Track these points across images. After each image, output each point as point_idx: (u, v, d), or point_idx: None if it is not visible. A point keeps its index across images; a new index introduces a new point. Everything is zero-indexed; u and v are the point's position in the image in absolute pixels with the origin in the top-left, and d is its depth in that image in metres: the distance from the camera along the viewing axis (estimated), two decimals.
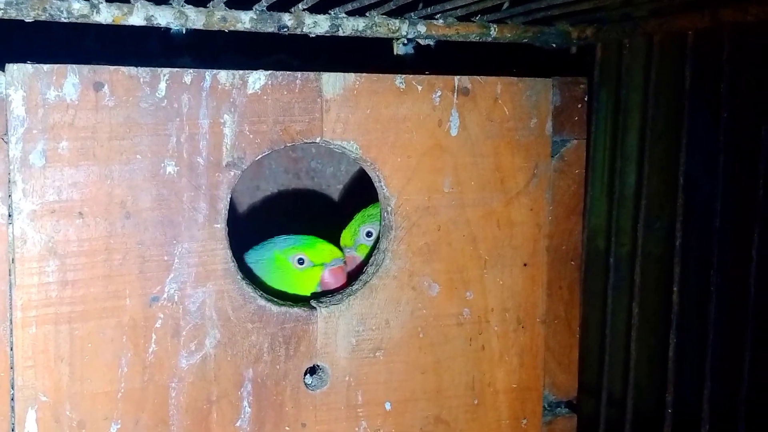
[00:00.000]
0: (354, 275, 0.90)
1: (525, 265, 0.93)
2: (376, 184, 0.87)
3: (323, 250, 0.91)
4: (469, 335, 0.91)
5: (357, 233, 0.96)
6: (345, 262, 0.92)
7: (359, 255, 0.96)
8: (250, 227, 1.16)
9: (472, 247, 0.90)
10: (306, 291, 0.89)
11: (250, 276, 0.86)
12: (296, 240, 0.91)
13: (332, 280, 0.89)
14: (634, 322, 0.98)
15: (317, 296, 0.88)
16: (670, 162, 1.01)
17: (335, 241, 0.95)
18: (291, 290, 0.88)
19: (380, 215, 0.89)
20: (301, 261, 0.90)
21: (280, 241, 0.92)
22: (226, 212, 0.79)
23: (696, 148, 0.92)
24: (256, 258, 0.90)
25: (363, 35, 0.87)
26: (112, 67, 0.74)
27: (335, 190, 1.22)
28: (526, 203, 0.92)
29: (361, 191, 1.07)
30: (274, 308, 0.83)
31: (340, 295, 0.87)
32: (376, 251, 0.89)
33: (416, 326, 0.89)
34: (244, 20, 0.84)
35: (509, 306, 0.92)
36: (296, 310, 0.84)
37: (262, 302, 0.82)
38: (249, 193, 1.19)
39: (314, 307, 0.85)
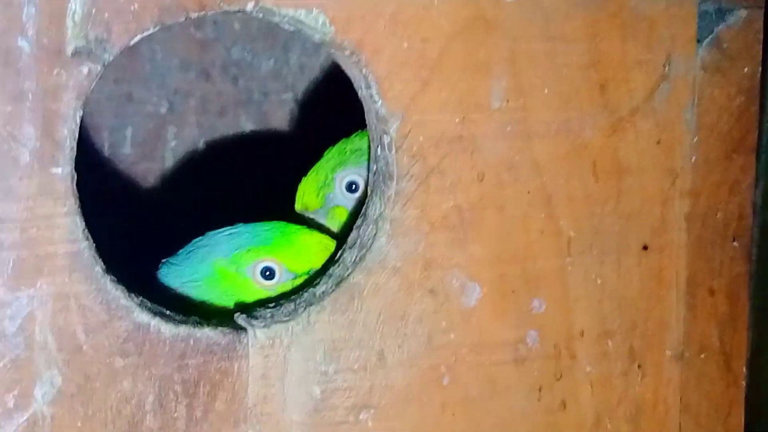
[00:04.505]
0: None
1: (645, 248, 0.93)
2: (362, 93, 0.87)
3: (309, 249, 0.93)
4: (537, 382, 0.91)
5: (330, 185, 0.98)
6: None
7: (333, 225, 0.97)
8: (118, 179, 1.17)
9: (545, 215, 0.90)
10: None
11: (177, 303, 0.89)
12: (253, 234, 0.95)
13: None
14: None
15: (248, 306, 0.89)
16: None
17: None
18: None
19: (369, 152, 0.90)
20: (269, 273, 0.93)
21: (222, 239, 0.95)
22: (74, 145, 0.79)
23: None
24: (182, 275, 0.95)
25: None
26: None
27: (278, 104, 1.23)
28: (647, 131, 0.92)
29: (332, 108, 1.07)
30: (166, 328, 0.83)
31: (292, 305, 0.87)
32: (361, 220, 0.89)
33: (436, 364, 0.89)
34: None
35: (614, 327, 0.92)
36: (208, 333, 0.84)
37: (143, 317, 0.82)
38: (114, 109, 1.20)
39: (242, 327, 0.85)
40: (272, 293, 0.93)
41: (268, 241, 0.94)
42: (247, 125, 1.24)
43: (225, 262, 0.93)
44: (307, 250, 0.94)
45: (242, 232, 0.95)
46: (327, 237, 0.95)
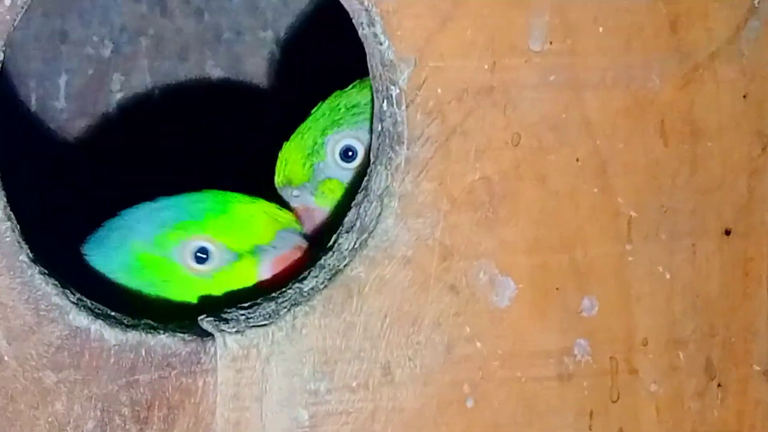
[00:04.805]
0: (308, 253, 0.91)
1: (727, 233, 0.88)
2: (363, 32, 0.81)
3: (251, 220, 0.91)
4: (587, 405, 0.86)
5: (319, 151, 0.94)
6: (303, 236, 0.93)
7: (323, 205, 0.94)
8: (49, 140, 1.14)
9: (598, 189, 0.85)
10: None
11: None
12: (179, 208, 0.92)
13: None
14: None
15: (216, 306, 0.84)
16: None
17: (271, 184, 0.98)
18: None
19: (372, 108, 0.86)
20: (201, 255, 0.90)
21: (140, 218, 0.93)
22: None
23: None
24: (97, 265, 0.91)
25: None
26: None
27: (254, 45, 1.22)
28: (731, 82, 0.87)
29: (323, 52, 1.09)
30: (111, 335, 0.78)
31: (273, 304, 0.82)
32: (361, 196, 0.84)
33: (458, 381, 0.84)
34: None
35: (687, 334, 0.88)
36: (165, 341, 0.80)
37: (81, 320, 0.78)
38: (44, 52, 1.18)
39: (209, 333, 0.80)
40: (209, 280, 0.88)
41: (198, 215, 0.90)
42: (215, 71, 1.23)
43: (146, 246, 0.89)
44: (248, 221, 0.90)
45: (165, 206, 0.91)
46: (275, 205, 0.92)
